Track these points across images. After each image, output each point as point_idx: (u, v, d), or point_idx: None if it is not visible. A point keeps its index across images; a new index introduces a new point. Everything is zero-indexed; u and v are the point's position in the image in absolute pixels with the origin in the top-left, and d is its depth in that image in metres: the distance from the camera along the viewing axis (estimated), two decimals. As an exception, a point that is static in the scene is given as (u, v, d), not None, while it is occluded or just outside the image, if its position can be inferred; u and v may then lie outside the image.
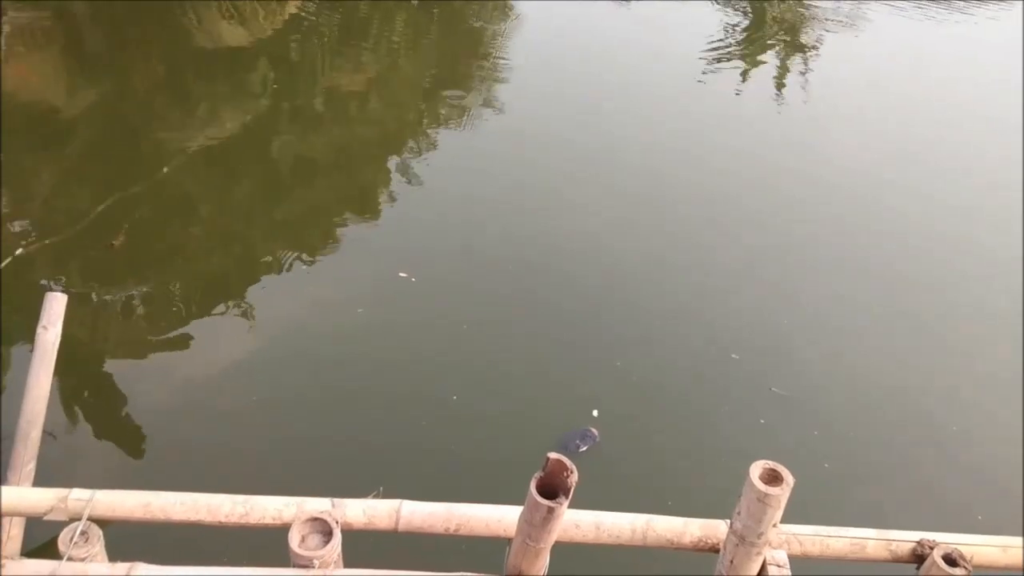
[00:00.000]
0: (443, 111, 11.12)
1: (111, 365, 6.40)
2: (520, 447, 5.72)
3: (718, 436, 6.21)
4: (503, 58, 12.82)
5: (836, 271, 8.26)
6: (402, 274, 7.44)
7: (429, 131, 10.53)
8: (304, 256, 7.77)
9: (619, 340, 7.00)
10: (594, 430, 5.98)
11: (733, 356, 6.87)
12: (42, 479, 4.40)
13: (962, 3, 17.89)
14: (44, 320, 4.79)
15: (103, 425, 5.88)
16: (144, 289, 7.21)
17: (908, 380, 7.00)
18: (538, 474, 3.14)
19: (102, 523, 3.57)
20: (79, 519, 3.50)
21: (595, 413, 6.18)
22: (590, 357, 6.81)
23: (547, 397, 6.37)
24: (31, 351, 4.72)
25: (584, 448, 5.86)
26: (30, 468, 4.50)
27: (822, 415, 6.50)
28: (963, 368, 7.22)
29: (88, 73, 11.18)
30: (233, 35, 12.59)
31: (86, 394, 6.14)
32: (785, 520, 3.46)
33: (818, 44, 14.90)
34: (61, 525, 3.53)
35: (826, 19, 16.18)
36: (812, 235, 8.81)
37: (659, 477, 5.82)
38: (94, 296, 7.05)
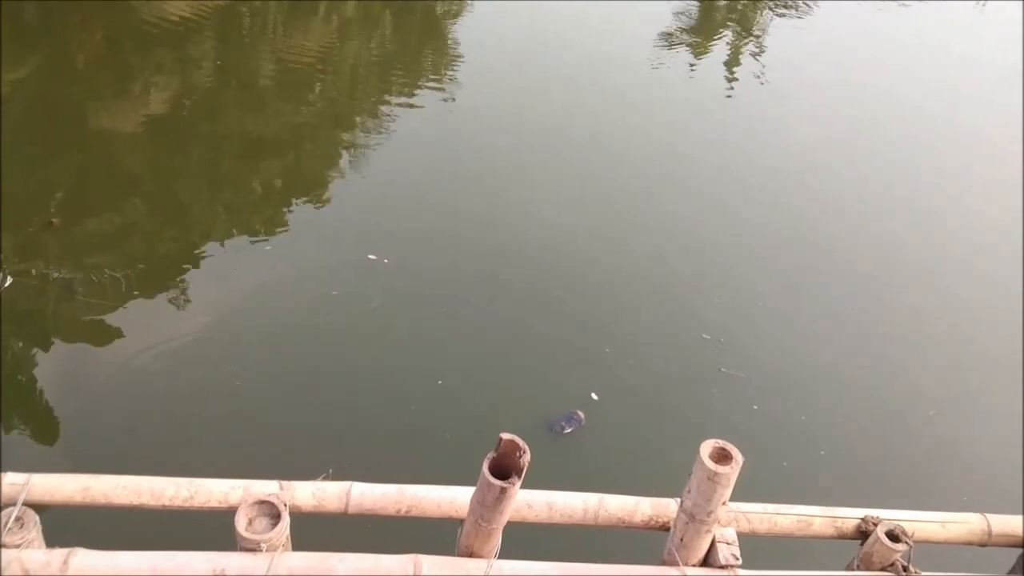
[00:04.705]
0: (396, 90, 10.97)
1: (50, 346, 6.19)
2: (495, 428, 5.69)
3: (695, 416, 6.25)
4: (456, 40, 12.70)
5: (789, 255, 8.38)
6: (371, 256, 7.30)
7: (383, 109, 10.37)
8: (254, 237, 7.60)
9: (599, 324, 7.00)
10: (580, 413, 5.98)
11: (704, 336, 6.91)
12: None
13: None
14: (-24, 299, 4.60)
15: (39, 407, 5.69)
16: (85, 269, 6.98)
17: (862, 363, 7.14)
18: (491, 454, 3.12)
19: (39, 508, 3.44)
20: (14, 504, 3.36)
21: (594, 396, 6.18)
22: (575, 341, 6.79)
23: (530, 380, 6.35)
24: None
25: (569, 430, 5.88)
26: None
27: (776, 394, 6.60)
28: (913, 350, 7.39)
29: (25, 44, 10.73)
30: (177, 6, 12.21)
31: (21, 376, 5.92)
32: (735, 498, 3.50)
33: (766, 29, 15.06)
34: (-5, 512, 3.40)
35: (775, 3, 16.36)
36: (765, 219, 8.92)
37: (637, 457, 5.85)
38: (33, 274, 6.80)
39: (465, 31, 13.15)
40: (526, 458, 3.07)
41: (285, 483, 3.59)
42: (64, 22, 11.65)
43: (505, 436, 3.09)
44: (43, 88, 9.71)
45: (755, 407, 6.40)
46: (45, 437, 5.50)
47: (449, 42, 12.74)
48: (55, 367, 6.02)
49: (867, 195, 9.63)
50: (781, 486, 5.68)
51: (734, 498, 3.51)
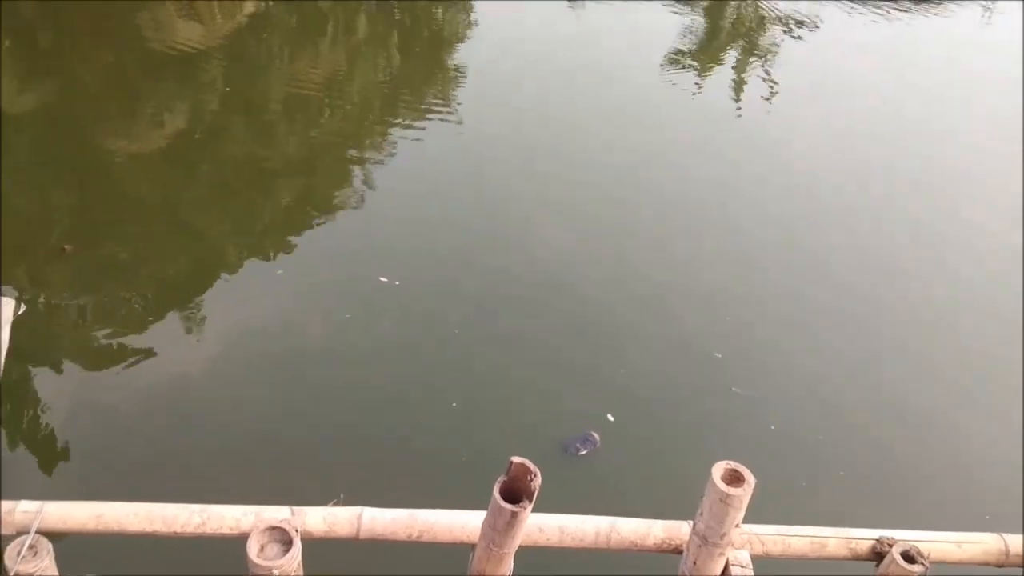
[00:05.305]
0: (404, 113, 11.04)
1: (63, 371, 6.22)
2: (511, 451, 5.67)
3: (710, 436, 6.21)
4: (463, 62, 12.79)
5: (800, 272, 8.33)
6: (383, 279, 7.33)
7: (391, 132, 10.44)
8: (265, 261, 7.63)
9: (611, 344, 6.98)
10: (595, 435, 5.94)
11: (716, 355, 6.86)
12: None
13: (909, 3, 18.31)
14: (-9, 326, 4.63)
15: (52, 434, 5.71)
16: (97, 295, 7.02)
17: (876, 381, 7.07)
18: (501, 478, 3.12)
19: (52, 536, 3.45)
20: (27, 532, 3.38)
21: (610, 417, 6.16)
22: (590, 362, 6.76)
23: (543, 402, 6.31)
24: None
25: (584, 452, 5.84)
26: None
27: (792, 413, 6.55)
28: (925, 369, 7.32)
29: (38, 72, 10.88)
30: (189, 34, 12.36)
31: (34, 402, 5.95)
32: (749, 519, 3.48)
33: (776, 46, 15.11)
34: (8, 540, 3.41)
35: (783, 20, 16.42)
36: (775, 238, 8.88)
37: (652, 479, 5.81)
38: (45, 301, 6.86)
39: (472, 53, 13.24)
40: (537, 482, 3.07)
41: (296, 509, 3.60)
42: (76, 48, 11.82)
43: (515, 460, 3.09)
44: (56, 113, 9.83)
45: (772, 427, 6.36)
46: (57, 464, 5.52)
47: (456, 64, 12.83)
48: (67, 394, 6.05)
49: (878, 213, 9.59)
50: (796, 507, 5.62)
51: (748, 520, 3.49)
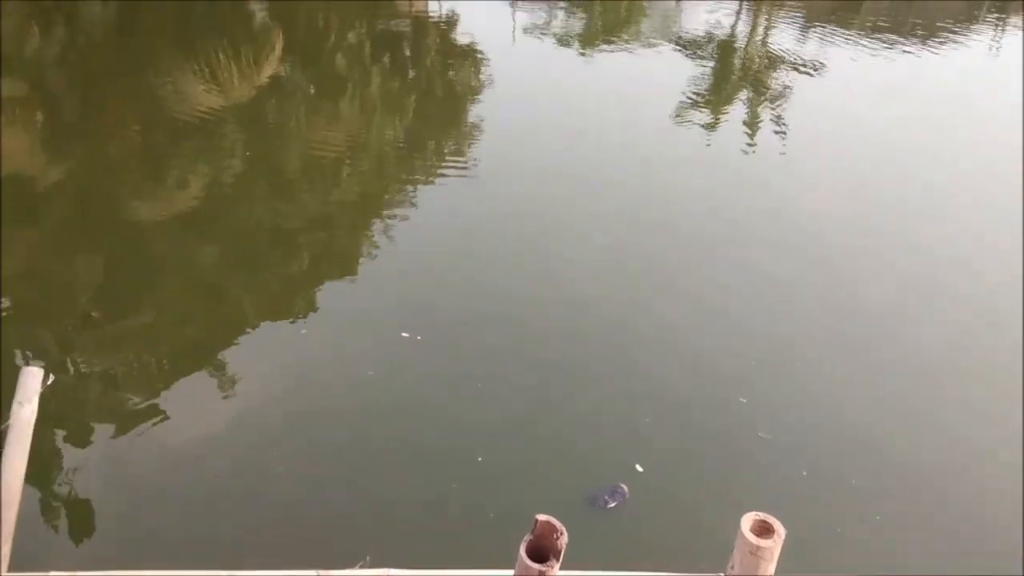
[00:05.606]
0: (421, 171, 11.22)
1: (91, 439, 6.27)
2: (539, 505, 5.63)
3: (742, 485, 6.10)
4: (478, 117, 13.02)
5: (827, 316, 8.25)
6: (404, 334, 7.38)
7: (408, 190, 10.60)
8: (289, 321, 7.71)
9: (635, 393, 6.92)
10: (624, 486, 5.87)
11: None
12: (20, 561, 4.26)
13: (912, 44, 18.49)
14: (20, 396, 4.68)
15: (82, 502, 5.74)
16: (125, 360, 7.11)
17: (911, 422, 6.93)
18: (527, 536, 3.09)
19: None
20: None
21: (638, 468, 6.10)
22: (614, 412, 6.71)
23: (570, 454, 6.25)
24: (5, 427, 4.61)
25: (613, 504, 5.76)
26: (5, 551, 4.36)
27: (825, 458, 6.43)
28: (955, 412, 7.18)
29: (64, 142, 11.20)
30: (209, 100, 12.70)
31: (64, 471, 5.99)
32: (786, 568, 3.41)
33: (786, 88, 15.26)
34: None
35: (790, 63, 16.60)
36: (800, 280, 8.82)
37: (684, 530, 5.70)
38: (73, 369, 6.95)
39: (486, 107, 13.48)
40: (563, 539, 3.04)
41: (323, 572, 3.58)
42: (102, 119, 12.18)
43: (541, 517, 3.07)
44: (82, 183, 10.08)
45: (804, 472, 6.25)
46: (86, 531, 5.54)
47: (470, 120, 13.05)
48: (94, 459, 6.08)
49: (905, 250, 9.57)
50: (834, 554, 5.50)
51: (785, 569, 3.43)
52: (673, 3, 22.76)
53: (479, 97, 14.15)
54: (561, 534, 3.04)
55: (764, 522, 3.24)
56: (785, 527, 3.25)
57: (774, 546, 3.20)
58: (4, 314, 7.42)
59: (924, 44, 18.77)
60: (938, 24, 20.98)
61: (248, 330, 7.58)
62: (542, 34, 18.65)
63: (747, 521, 3.25)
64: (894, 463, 6.47)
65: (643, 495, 5.87)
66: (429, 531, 5.48)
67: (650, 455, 6.24)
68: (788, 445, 6.49)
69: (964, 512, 6.06)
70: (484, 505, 5.69)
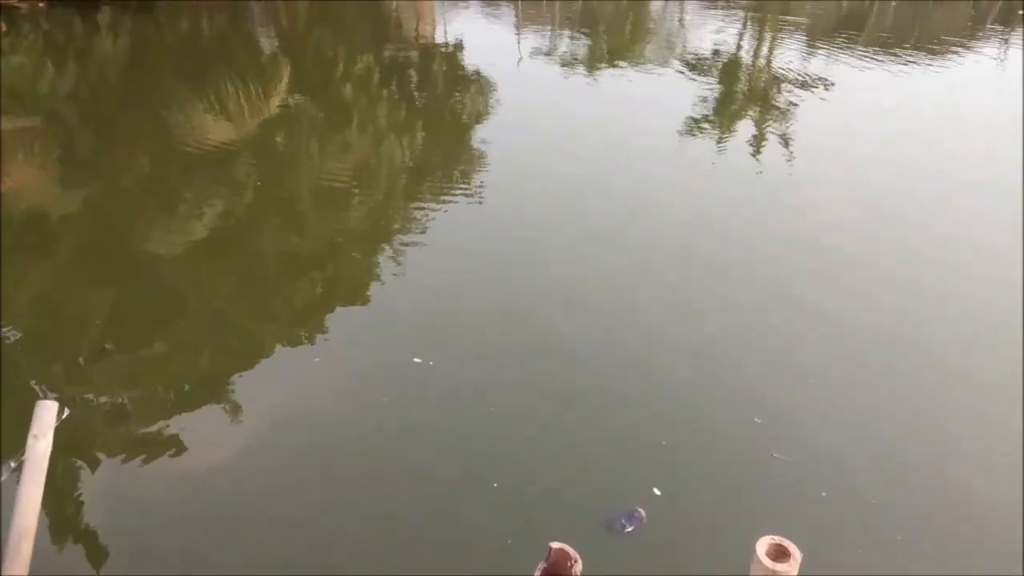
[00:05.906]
0: (431, 197, 11.28)
1: (105, 470, 6.29)
2: (555, 531, 5.59)
3: (763, 507, 6.04)
4: (484, 140, 13.11)
5: (846, 334, 8.19)
6: (416, 360, 7.40)
7: (418, 216, 10.66)
8: (301, 349, 7.74)
9: (650, 415, 6.87)
10: (641, 510, 5.81)
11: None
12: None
13: (914, 58, 18.52)
14: (35, 429, 4.71)
15: (97, 534, 5.75)
16: (139, 391, 7.15)
17: (933, 440, 6.84)
18: (541, 565, 3.09)
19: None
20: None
21: (656, 491, 6.05)
22: (630, 435, 6.65)
23: (586, 478, 6.19)
24: (21, 461, 4.64)
25: (631, 528, 5.71)
26: (22, 585, 4.37)
27: (845, 478, 6.37)
28: (973, 425, 7.11)
29: (77, 175, 11.35)
30: (220, 132, 12.86)
31: (79, 502, 6.01)
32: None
33: (791, 106, 15.31)
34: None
35: (794, 82, 16.66)
36: (817, 298, 8.77)
37: (702, 554, 5.61)
38: (87, 401, 6.99)
39: (492, 131, 13.58)
40: (578, 567, 3.04)
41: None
42: (112, 151, 12.34)
43: (555, 545, 3.07)
44: (94, 215, 10.19)
45: (823, 493, 6.19)
46: (99, 559, 5.54)
47: (477, 145, 13.14)
48: (107, 490, 6.10)
49: (926, 267, 9.52)
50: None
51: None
52: (677, 24, 22.93)
53: (486, 121, 14.26)
54: (575, 562, 3.03)
55: (780, 545, 3.22)
56: (801, 550, 3.22)
57: (790, 570, 3.17)
58: (19, 346, 7.50)
59: (931, 58, 18.82)
60: (943, 38, 21.07)
61: (261, 359, 7.61)
62: (547, 58, 18.84)
63: (762, 545, 3.22)
64: (913, 482, 6.40)
65: (662, 519, 5.82)
66: (444, 558, 5.45)
67: (668, 478, 6.19)
68: (808, 465, 6.43)
69: (999, 532, 5.99)
70: (499, 531, 5.66)
